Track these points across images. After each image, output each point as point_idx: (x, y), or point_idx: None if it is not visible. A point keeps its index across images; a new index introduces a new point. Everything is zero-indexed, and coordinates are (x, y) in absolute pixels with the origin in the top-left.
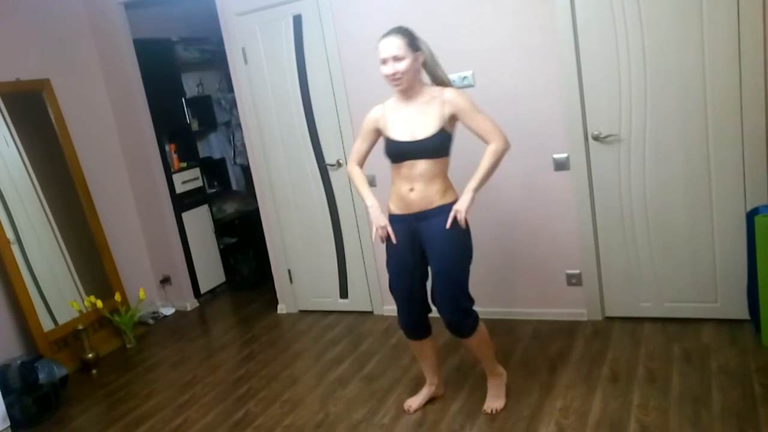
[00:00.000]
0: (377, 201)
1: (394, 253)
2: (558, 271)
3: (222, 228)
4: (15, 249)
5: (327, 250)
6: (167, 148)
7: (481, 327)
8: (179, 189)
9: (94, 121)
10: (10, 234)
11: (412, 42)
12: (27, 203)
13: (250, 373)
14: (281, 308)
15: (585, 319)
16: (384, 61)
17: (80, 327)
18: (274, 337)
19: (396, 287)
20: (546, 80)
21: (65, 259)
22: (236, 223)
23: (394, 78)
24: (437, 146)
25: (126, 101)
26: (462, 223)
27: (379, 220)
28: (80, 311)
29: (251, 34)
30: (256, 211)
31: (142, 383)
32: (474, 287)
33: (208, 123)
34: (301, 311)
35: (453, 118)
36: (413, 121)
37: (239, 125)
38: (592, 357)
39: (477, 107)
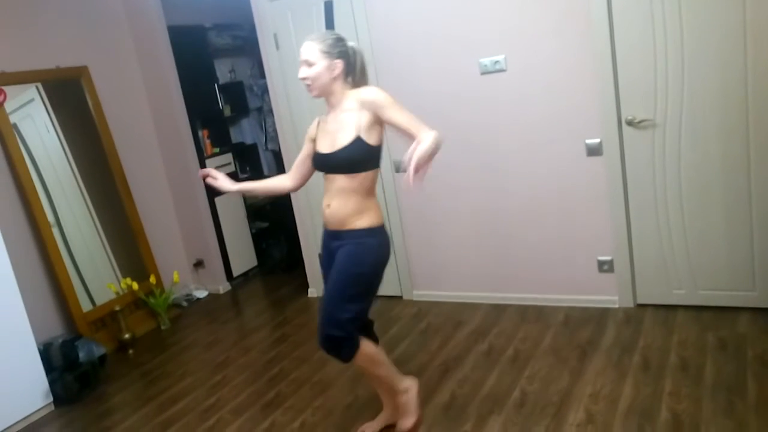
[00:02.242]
0: (241, 187)
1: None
2: (590, 257)
3: (254, 213)
4: (55, 232)
5: None
6: (200, 133)
7: (360, 355)
8: None
9: (130, 106)
10: (50, 217)
11: (330, 49)
12: (66, 188)
13: (282, 354)
14: (312, 292)
15: (616, 306)
16: (299, 64)
17: (117, 308)
18: (305, 320)
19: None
20: (579, 63)
21: (102, 242)
22: (268, 208)
23: (304, 83)
24: (350, 158)
25: (160, 87)
26: (414, 169)
27: (217, 176)
28: (117, 293)
29: (283, 20)
30: (288, 197)
31: (176, 363)
32: (504, 273)
33: (240, 109)
34: None
35: (376, 121)
36: (334, 132)
37: (271, 111)
38: (624, 344)
39: (399, 103)
